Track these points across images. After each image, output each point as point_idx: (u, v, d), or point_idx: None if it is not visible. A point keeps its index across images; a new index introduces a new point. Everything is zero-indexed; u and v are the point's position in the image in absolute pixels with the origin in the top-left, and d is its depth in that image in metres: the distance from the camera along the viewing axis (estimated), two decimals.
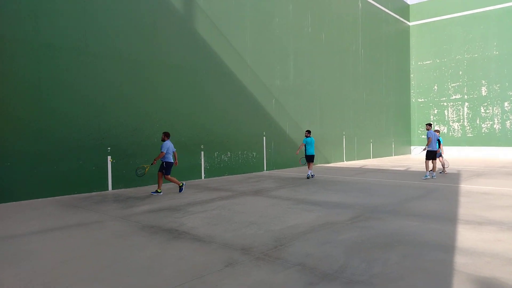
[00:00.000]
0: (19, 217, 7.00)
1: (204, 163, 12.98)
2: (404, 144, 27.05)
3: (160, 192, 9.49)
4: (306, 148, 12.83)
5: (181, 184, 9.81)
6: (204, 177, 12.98)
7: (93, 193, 9.84)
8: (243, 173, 14.46)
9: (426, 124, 12.79)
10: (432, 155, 12.39)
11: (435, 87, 26.76)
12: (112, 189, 10.36)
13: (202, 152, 12.92)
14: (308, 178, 12.63)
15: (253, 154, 14.92)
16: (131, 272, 4.11)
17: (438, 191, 9.78)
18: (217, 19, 13.48)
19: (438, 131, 14.19)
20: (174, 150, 9.73)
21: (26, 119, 8.86)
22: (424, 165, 12.67)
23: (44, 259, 4.56)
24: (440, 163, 14.21)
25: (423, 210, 7.25)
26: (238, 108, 14.26)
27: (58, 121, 9.39)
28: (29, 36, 8.92)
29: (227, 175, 13.82)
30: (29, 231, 5.94)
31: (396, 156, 25.21)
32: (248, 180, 12.42)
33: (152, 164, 9.63)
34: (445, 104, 26.34)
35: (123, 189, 10.50)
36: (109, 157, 10.29)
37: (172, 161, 9.65)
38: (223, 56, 13.67)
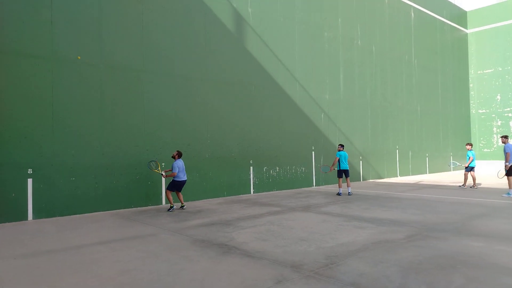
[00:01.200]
0: (82, 229, 7.48)
1: (253, 178, 13.08)
2: (464, 158, 25.35)
3: (173, 207, 9.56)
4: (341, 162, 12.29)
5: (172, 205, 9.59)
6: (253, 192, 13.05)
7: (148, 207, 10.27)
8: (292, 188, 14.35)
9: (502, 137, 11.79)
10: None
11: (498, 97, 24.95)
12: (165, 203, 10.75)
13: (251, 167, 13.04)
14: (339, 194, 12.14)
15: (302, 169, 14.78)
16: (183, 285, 4.20)
17: (504, 209, 9.01)
18: (267, 35, 13.72)
19: (471, 144, 13.94)
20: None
21: (90, 135, 9.53)
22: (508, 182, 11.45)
23: (104, 269, 4.81)
24: (472, 178, 13.86)
25: (489, 230, 6.70)
26: (287, 123, 14.28)
27: (118, 137, 10.00)
28: (95, 59, 9.66)
29: (276, 190, 13.79)
30: (92, 242, 6.32)
31: (454, 172, 23.68)
32: (297, 196, 12.29)
33: (162, 174, 9.83)
34: (510, 115, 24.42)
35: (175, 204, 10.85)
36: (163, 172, 10.73)
37: (184, 179, 9.75)
38: (272, 72, 13.84)
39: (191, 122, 11.51)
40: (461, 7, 26.37)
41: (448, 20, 24.55)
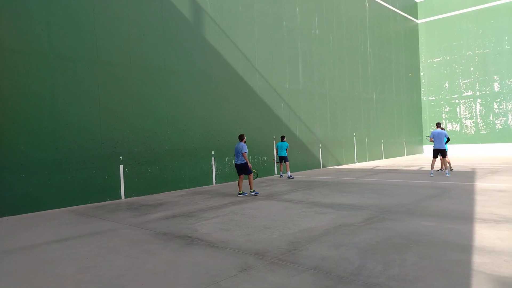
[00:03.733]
0: (37, 228, 7.11)
1: (215, 168, 13.02)
2: (416, 143, 26.73)
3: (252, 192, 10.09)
4: (279, 150, 14.29)
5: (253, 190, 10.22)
6: (216, 183, 13.01)
7: (107, 202, 9.95)
8: (255, 178, 14.44)
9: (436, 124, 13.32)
10: (437, 153, 12.86)
11: (446, 84, 26.42)
12: (125, 197, 10.46)
13: (213, 158, 12.97)
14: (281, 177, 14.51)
15: (263, 158, 14.91)
16: (147, 278, 4.14)
17: (453, 190, 9.63)
18: (225, 25, 13.56)
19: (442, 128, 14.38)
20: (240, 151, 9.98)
21: (41, 129, 9.02)
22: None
23: (62, 268, 4.62)
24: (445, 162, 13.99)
25: (439, 210, 7.14)
26: (248, 112, 14.30)
27: (72, 130, 9.54)
28: (43, 48, 9.09)
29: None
30: (47, 240, 6.03)
31: (408, 156, 24.92)
32: (260, 184, 12.40)
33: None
34: (457, 101, 25.97)
35: (135, 197, 10.59)
36: (121, 166, 10.40)
37: (235, 162, 10.12)
38: (232, 62, 13.74)
39: (150, 114, 11.21)
40: None
41: (400, 10, 25.50)
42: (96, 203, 9.77)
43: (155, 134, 11.31)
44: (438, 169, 14.46)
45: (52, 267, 4.70)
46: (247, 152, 9.87)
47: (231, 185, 12.55)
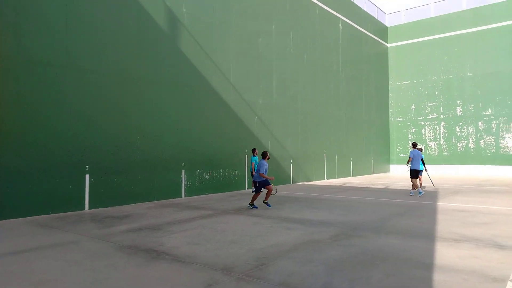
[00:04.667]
0: None
1: (185, 181, 12.83)
2: (384, 162, 27.53)
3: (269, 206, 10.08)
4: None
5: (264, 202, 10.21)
6: (185, 196, 12.81)
7: (69, 213, 9.54)
8: (225, 192, 14.35)
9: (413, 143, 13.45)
10: (416, 173, 12.75)
11: (413, 106, 27.53)
12: (89, 208, 10.08)
13: (183, 170, 12.79)
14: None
15: (235, 172, 14.86)
16: None
17: (417, 209, 9.93)
18: (202, 38, 13.60)
19: (420, 149, 14.21)
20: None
21: (2, 135, 8.60)
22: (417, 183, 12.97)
23: (17, 282, 4.35)
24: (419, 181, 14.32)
25: (404, 228, 7.33)
26: (221, 126, 14.27)
27: (37, 137, 9.15)
28: (12, 51, 8.75)
29: (209, 193, 13.68)
30: (2, 252, 5.69)
31: (376, 174, 25.58)
32: (230, 199, 12.32)
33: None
34: (422, 123, 27.08)
35: (100, 209, 10.23)
36: (87, 176, 10.06)
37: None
38: (207, 74, 13.74)
39: (120, 123, 10.96)
40: (383, 22, 28.67)
41: (372, 34, 26.54)
42: (57, 214, 9.35)
43: (124, 143, 11.04)
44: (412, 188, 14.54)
45: (5, 282, 4.43)
46: (264, 172, 9.86)
47: (201, 199, 12.39)
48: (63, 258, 5.37)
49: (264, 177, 9.79)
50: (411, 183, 13.22)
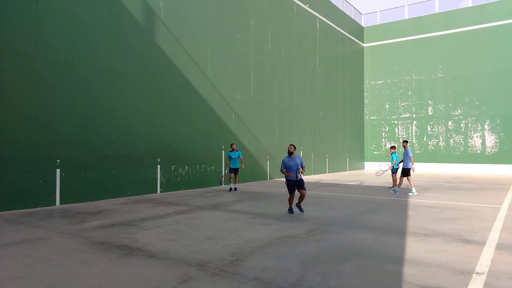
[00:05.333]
0: None
1: (160, 176, 12.67)
2: (358, 159, 28.09)
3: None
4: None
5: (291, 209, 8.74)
6: (160, 192, 12.65)
7: (39, 208, 9.24)
8: (201, 187, 14.27)
9: (403, 142, 13.13)
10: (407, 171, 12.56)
11: (387, 105, 28.19)
12: (60, 204, 9.80)
13: (159, 166, 12.62)
14: (236, 189, 13.38)
15: (211, 168, 14.79)
16: None
17: (389, 205, 10.21)
18: (178, 31, 13.41)
19: (394, 147, 14.41)
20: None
21: None
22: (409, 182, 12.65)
23: None
24: (394, 179, 14.60)
25: (376, 223, 7.52)
26: (197, 121, 14.15)
27: (3, 130, 8.79)
28: None
29: (184, 189, 13.57)
30: None
31: (350, 171, 26.07)
32: (206, 195, 12.26)
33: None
34: (395, 122, 27.78)
35: (72, 204, 9.97)
36: (58, 170, 9.76)
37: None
38: (183, 69, 13.58)
39: (93, 116, 10.68)
40: (359, 22, 29.15)
41: (348, 33, 26.94)
42: (26, 209, 9.04)
43: (97, 137, 10.78)
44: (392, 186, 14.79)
45: None
46: (284, 168, 8.47)
47: (177, 194, 12.27)
48: (32, 254, 5.21)
49: (283, 173, 8.46)
50: (396, 181, 13.55)
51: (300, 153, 20.72)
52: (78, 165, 10.26)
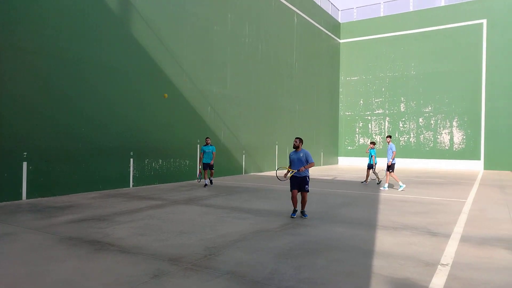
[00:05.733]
0: None
1: (133, 170, 12.43)
2: (332, 154, 28.52)
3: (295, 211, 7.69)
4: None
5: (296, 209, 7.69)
6: (133, 186, 12.42)
7: (4, 203, 8.89)
8: (176, 182, 14.12)
9: (387, 137, 13.11)
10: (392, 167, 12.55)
11: (361, 101, 28.71)
12: (27, 198, 9.45)
13: (132, 159, 12.38)
14: (211, 184, 13.10)
15: (186, 162, 14.65)
16: (47, 287, 3.77)
17: (361, 199, 10.44)
18: (154, 22, 13.12)
19: (373, 143, 14.62)
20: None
21: None
22: (394, 178, 12.55)
23: None
24: (372, 173, 14.80)
25: (348, 217, 7.67)
26: (172, 114, 13.94)
27: None
28: None
29: (158, 183, 13.38)
30: None
31: (324, 166, 26.46)
32: (180, 189, 12.15)
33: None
34: (369, 118, 28.35)
35: (40, 199, 9.64)
36: (24, 163, 9.40)
37: None
38: (159, 60, 13.31)
39: (63, 107, 10.32)
40: (336, 18, 29.44)
41: (325, 29, 27.16)
42: None
43: (67, 129, 10.44)
44: (373, 179, 14.91)
45: None
46: (290, 164, 7.66)
47: (150, 189, 12.09)
48: None
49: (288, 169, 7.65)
50: (369, 176, 13.87)
51: (275, 148, 20.82)
52: (47, 158, 9.91)
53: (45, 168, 9.85)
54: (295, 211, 7.60)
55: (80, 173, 10.73)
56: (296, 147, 7.63)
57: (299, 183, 7.48)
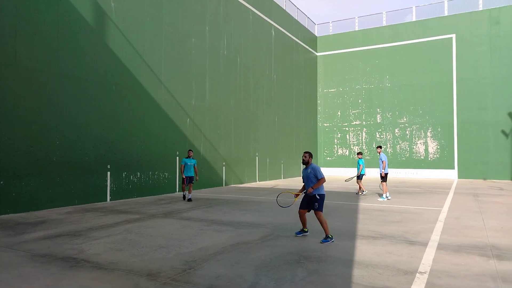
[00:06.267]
0: None
1: (110, 184, 12.15)
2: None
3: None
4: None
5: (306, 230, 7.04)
6: (110, 200, 12.12)
7: None
8: (154, 195, 13.87)
9: (378, 147, 13.09)
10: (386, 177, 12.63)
11: (339, 113, 29.22)
12: (1, 214, 9.07)
13: (109, 173, 12.11)
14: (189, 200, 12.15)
15: (165, 175, 14.44)
16: None
17: (340, 209, 10.53)
18: (131, 34, 13.03)
19: (360, 153, 14.67)
20: None
21: None
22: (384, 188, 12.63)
23: None
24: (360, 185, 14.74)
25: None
26: (150, 126, 13.77)
27: None
28: None
29: (136, 197, 13.11)
30: None
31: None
32: (159, 202, 11.94)
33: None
34: (347, 129, 28.85)
35: (11, 215, 9.26)
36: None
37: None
38: (136, 72, 13.18)
39: (35, 120, 10.03)
40: (313, 32, 30.04)
41: (302, 42, 27.66)
42: None
43: (41, 143, 10.14)
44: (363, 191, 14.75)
45: None
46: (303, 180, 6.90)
47: (128, 202, 11.83)
48: None
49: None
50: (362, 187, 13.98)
51: (256, 159, 20.84)
52: (19, 172, 9.57)
53: (17, 183, 9.50)
54: (302, 230, 6.95)
55: (54, 188, 10.40)
56: (305, 163, 6.87)
57: (308, 201, 6.76)
